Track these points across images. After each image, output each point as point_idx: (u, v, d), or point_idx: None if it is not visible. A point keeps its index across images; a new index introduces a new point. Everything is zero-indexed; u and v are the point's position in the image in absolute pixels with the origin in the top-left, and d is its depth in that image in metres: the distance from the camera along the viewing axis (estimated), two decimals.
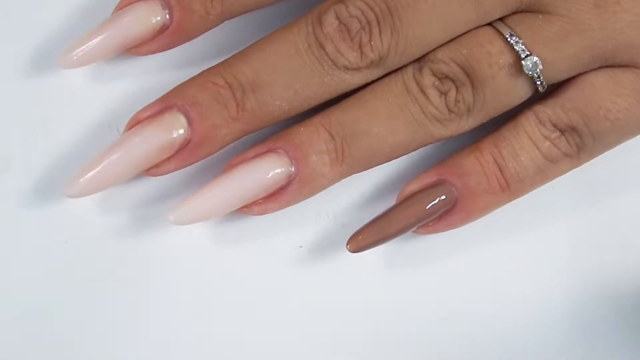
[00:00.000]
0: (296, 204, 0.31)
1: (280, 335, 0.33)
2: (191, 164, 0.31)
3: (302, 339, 0.33)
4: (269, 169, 0.30)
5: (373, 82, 0.31)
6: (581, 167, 0.32)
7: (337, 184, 0.31)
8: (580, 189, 0.33)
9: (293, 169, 0.30)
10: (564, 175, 0.32)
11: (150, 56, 0.32)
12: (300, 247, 0.33)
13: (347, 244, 0.31)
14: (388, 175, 0.33)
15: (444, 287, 0.33)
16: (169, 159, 0.30)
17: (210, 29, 0.31)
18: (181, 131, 0.30)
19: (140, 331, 0.32)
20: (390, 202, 0.32)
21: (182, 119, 0.30)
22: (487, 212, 0.32)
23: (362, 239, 0.31)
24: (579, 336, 0.33)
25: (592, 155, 0.31)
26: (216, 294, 0.33)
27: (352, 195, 0.33)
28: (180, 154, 0.30)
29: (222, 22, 0.31)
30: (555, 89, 0.31)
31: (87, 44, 0.30)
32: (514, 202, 0.32)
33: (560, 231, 0.33)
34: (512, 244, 0.33)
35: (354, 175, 0.32)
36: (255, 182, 0.30)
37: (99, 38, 0.30)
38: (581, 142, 0.31)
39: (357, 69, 0.30)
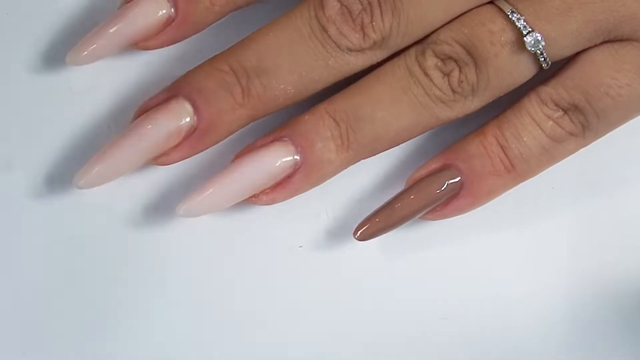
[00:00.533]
0: (296, 204, 0.32)
1: (280, 334, 0.33)
2: (199, 152, 0.31)
3: (301, 338, 0.33)
4: (276, 158, 0.30)
5: (377, 65, 0.31)
6: (581, 166, 0.32)
7: (337, 184, 0.32)
8: (580, 188, 0.33)
9: (299, 157, 0.30)
10: (564, 175, 0.32)
11: (151, 57, 0.32)
12: (301, 247, 0.33)
13: (354, 232, 0.31)
14: (388, 176, 0.33)
15: (444, 287, 0.33)
16: (176, 146, 0.30)
17: (216, 21, 0.31)
18: (188, 119, 0.30)
19: (141, 329, 0.32)
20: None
21: (189, 106, 0.30)
22: (494, 195, 0.32)
23: (370, 226, 0.31)
24: (579, 336, 0.33)
25: (598, 134, 0.31)
26: (216, 294, 0.33)
27: (352, 195, 0.33)
28: (188, 142, 0.30)
29: (227, 13, 0.31)
30: (558, 68, 0.31)
31: (96, 40, 0.30)
32: (514, 201, 0.32)
33: (560, 230, 0.33)
34: (512, 243, 0.33)
35: (354, 174, 0.32)
36: (262, 172, 0.30)
37: (107, 33, 0.30)
38: (585, 121, 0.30)
39: (361, 50, 0.30)
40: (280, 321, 0.33)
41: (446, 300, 0.33)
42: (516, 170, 0.31)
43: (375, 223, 0.31)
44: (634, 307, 0.33)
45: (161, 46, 0.31)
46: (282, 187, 0.31)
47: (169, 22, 0.30)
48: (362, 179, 0.33)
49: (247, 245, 0.33)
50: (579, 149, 0.31)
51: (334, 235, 0.33)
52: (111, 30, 0.30)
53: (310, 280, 0.33)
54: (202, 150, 0.31)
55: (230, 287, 0.33)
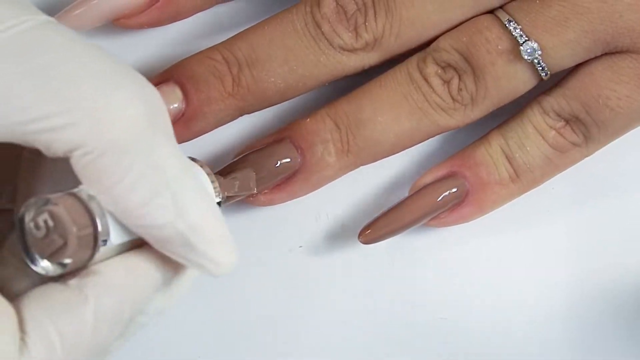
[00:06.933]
0: (296, 205, 0.32)
1: (280, 334, 0.33)
2: (186, 140, 0.31)
3: (301, 338, 0.33)
4: (276, 158, 0.30)
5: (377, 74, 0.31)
6: (581, 167, 0.32)
7: (336, 185, 0.32)
8: (580, 189, 0.34)
9: (299, 159, 0.31)
10: (563, 176, 0.32)
11: (149, 53, 0.32)
12: (300, 247, 0.33)
13: (359, 236, 0.31)
14: (388, 176, 0.33)
15: (445, 287, 0.33)
16: None
17: (202, 9, 0.31)
18: (176, 104, 0.30)
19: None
20: (391, 202, 0.32)
21: (178, 92, 0.30)
22: (499, 204, 0.32)
23: (374, 231, 0.31)
24: (579, 336, 0.33)
25: (600, 143, 0.31)
26: (216, 293, 0.33)
27: (352, 196, 0.33)
28: (175, 127, 0.30)
29: (212, 4, 0.31)
30: (561, 78, 0.31)
31: (78, 9, 0.30)
32: (514, 202, 0.32)
33: (560, 231, 0.33)
34: (512, 244, 0.33)
35: (354, 176, 0.32)
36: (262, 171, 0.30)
37: (85, 7, 0.30)
38: (586, 131, 0.31)
39: (352, 50, 0.30)
40: (280, 321, 0.33)
41: (446, 300, 0.33)
42: (521, 180, 0.31)
43: (379, 228, 0.31)
44: (634, 307, 0.33)
45: (140, 27, 0.31)
46: (280, 188, 0.31)
47: (152, 2, 0.30)
48: (362, 181, 0.33)
49: (247, 246, 0.33)
50: (583, 158, 0.31)
51: (334, 236, 0.33)
52: (90, 4, 0.30)
53: (310, 281, 0.33)
54: (189, 139, 0.31)
55: (230, 286, 0.33)
